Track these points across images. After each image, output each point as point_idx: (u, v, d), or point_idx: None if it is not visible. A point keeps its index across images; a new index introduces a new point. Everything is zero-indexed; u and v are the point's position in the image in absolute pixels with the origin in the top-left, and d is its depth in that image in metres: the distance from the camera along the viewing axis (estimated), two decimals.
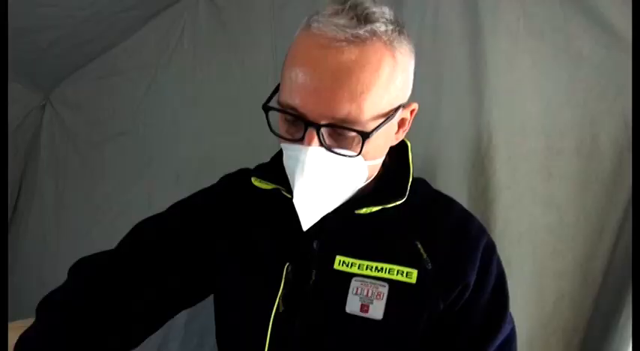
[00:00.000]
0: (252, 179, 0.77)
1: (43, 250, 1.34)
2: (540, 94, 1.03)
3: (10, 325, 0.83)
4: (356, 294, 0.69)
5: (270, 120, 0.68)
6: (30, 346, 0.71)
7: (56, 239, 1.33)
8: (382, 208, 0.72)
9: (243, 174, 0.85)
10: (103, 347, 0.73)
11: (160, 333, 1.19)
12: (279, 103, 0.66)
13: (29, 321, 0.76)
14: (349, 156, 0.64)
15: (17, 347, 0.71)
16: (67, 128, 1.40)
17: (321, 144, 0.63)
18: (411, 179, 0.75)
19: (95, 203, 1.33)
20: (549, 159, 1.02)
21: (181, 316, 1.22)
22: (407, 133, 0.75)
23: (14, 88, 1.38)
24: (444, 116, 1.08)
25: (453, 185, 1.01)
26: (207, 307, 1.17)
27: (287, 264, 0.72)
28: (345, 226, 0.72)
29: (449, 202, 0.78)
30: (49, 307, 0.75)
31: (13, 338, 0.73)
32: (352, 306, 0.69)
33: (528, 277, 0.98)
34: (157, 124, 1.34)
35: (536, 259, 0.99)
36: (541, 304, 0.98)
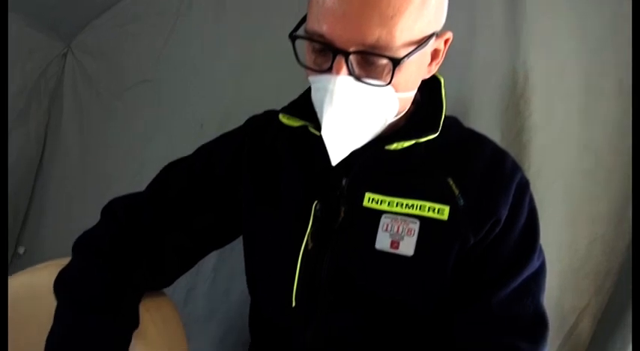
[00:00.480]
0: (280, 116, 0.75)
1: (70, 198, 1.35)
2: (581, 33, 0.98)
3: (45, 264, 0.85)
4: (386, 230, 0.68)
5: (298, 52, 0.65)
6: (70, 281, 0.73)
7: (82, 187, 1.34)
8: (413, 144, 0.69)
9: (270, 115, 0.84)
10: (139, 283, 0.75)
11: (188, 278, 1.22)
12: (306, 31, 0.63)
13: (64, 260, 0.78)
14: (379, 85, 0.62)
15: (58, 282, 0.73)
16: (89, 76, 1.38)
17: (350, 73, 0.60)
18: (444, 114, 0.72)
19: (119, 151, 1.33)
20: (588, 100, 0.97)
21: (209, 262, 1.24)
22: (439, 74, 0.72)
23: (35, 37, 1.38)
24: (478, 56, 1.03)
25: (486, 127, 0.96)
26: (235, 251, 1.18)
27: (315, 202, 0.71)
28: (374, 162, 0.70)
29: (482, 139, 0.76)
30: (84, 246, 0.77)
31: (51, 274, 0.75)
32: (382, 242, 0.68)
33: (562, 220, 0.96)
34: (180, 71, 1.32)
35: (571, 202, 0.96)
36: (574, 247, 0.96)
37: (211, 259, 1.21)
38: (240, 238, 0.85)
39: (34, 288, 0.81)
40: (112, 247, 0.75)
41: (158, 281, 0.80)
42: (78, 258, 0.76)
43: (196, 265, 1.18)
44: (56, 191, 1.39)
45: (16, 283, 0.85)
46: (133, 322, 0.72)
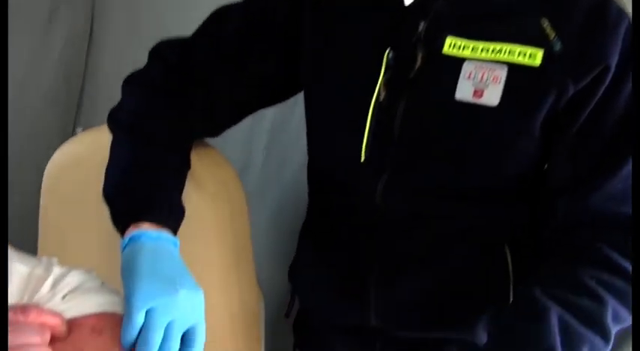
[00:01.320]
0: None
1: (122, 74, 1.32)
2: None
3: (98, 128, 0.84)
4: (468, 78, 0.61)
5: None
6: (121, 112, 0.72)
7: (133, 61, 1.26)
8: None
9: None
10: (189, 122, 0.72)
11: (240, 157, 1.21)
12: None
13: None
14: None
15: (110, 119, 0.73)
16: None
17: None
18: None
19: (169, 21, 1.26)
20: None
21: (262, 138, 1.22)
22: None
23: None
24: None
25: None
26: (288, 128, 1.15)
27: (388, 49, 0.64)
28: (456, 1, 0.62)
29: None
30: (134, 84, 0.74)
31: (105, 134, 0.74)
32: (463, 92, 0.61)
33: None
34: None
35: None
36: None
37: (263, 134, 1.19)
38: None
39: (96, 143, 0.80)
40: (162, 84, 0.72)
41: (206, 127, 0.77)
42: (127, 94, 0.74)
43: (249, 143, 1.14)
44: (108, 68, 1.37)
45: (75, 145, 0.86)
46: (186, 161, 0.70)
